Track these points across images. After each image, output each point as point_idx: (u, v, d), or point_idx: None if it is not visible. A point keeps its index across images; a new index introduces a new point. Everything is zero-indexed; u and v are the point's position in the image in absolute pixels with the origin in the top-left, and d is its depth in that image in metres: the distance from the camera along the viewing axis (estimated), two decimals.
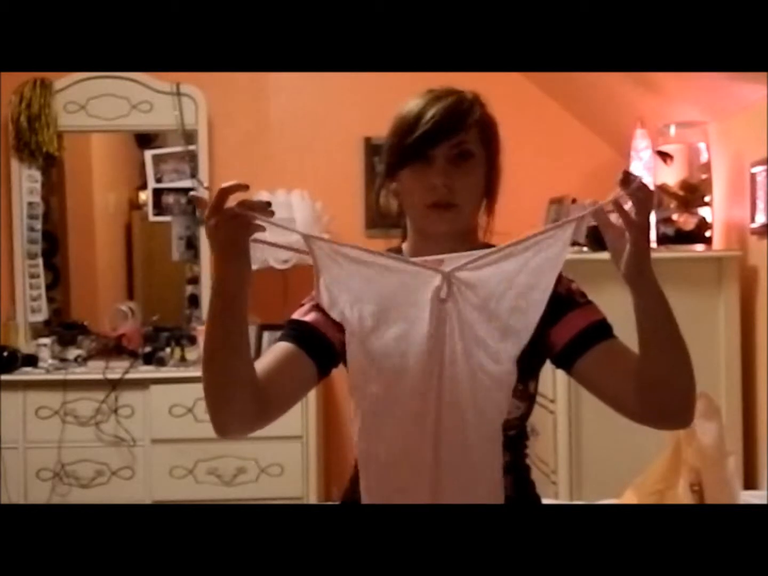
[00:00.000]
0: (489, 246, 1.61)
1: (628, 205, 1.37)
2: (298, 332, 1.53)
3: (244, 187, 1.33)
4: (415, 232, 1.59)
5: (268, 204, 1.36)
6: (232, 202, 1.35)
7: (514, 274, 1.41)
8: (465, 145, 1.52)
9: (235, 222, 1.34)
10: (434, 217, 1.52)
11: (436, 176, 1.49)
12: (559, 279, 1.49)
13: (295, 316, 1.56)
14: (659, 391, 1.43)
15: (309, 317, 1.54)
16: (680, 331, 1.42)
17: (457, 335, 1.40)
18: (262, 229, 1.35)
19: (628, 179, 1.36)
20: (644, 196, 1.37)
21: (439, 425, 1.41)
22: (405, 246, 1.62)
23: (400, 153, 1.52)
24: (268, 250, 3.95)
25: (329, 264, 1.42)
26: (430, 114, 1.50)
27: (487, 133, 1.56)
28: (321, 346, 1.52)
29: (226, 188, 1.33)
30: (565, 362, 1.53)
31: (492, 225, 1.60)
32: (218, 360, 1.43)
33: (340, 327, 1.47)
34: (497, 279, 1.41)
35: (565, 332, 1.51)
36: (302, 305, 1.58)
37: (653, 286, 1.40)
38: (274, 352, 1.51)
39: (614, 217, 1.39)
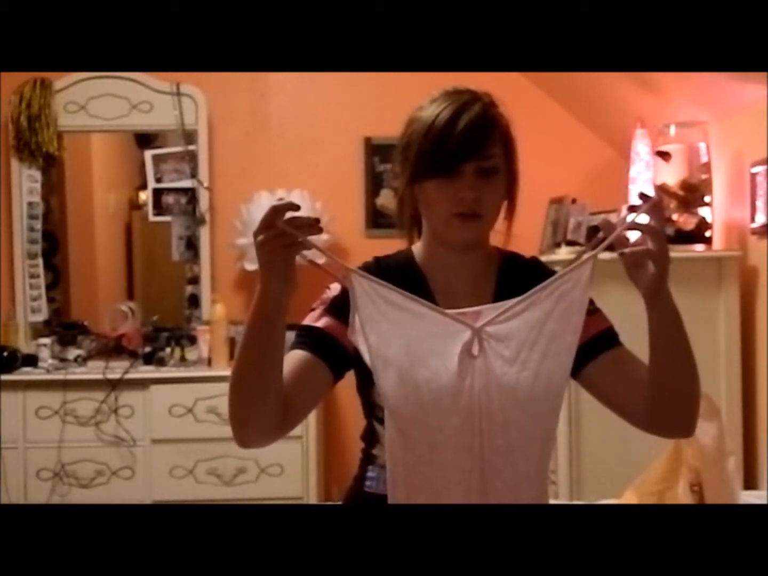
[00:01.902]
0: (500, 251, 1.61)
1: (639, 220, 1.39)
2: (312, 339, 1.53)
3: (296, 207, 1.34)
4: (431, 238, 1.59)
5: (317, 221, 1.36)
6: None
7: (541, 323, 1.43)
8: (492, 161, 1.52)
9: (282, 240, 1.34)
10: (458, 226, 1.52)
11: (465, 189, 1.49)
12: None
13: (307, 321, 1.56)
14: (668, 402, 1.48)
15: (321, 322, 1.54)
16: (690, 345, 1.47)
17: (488, 389, 1.41)
18: (308, 247, 1.35)
19: (639, 200, 1.39)
20: (658, 216, 1.39)
21: (483, 477, 1.41)
22: (417, 250, 1.62)
23: (428, 164, 1.51)
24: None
25: (366, 302, 1.41)
26: (460, 126, 1.49)
27: (508, 142, 1.58)
28: (335, 352, 1.52)
29: (278, 207, 1.33)
30: (573, 368, 1.53)
31: (511, 232, 1.60)
32: (252, 377, 1.42)
33: None
34: (527, 328, 1.42)
35: (584, 333, 1.50)
36: (313, 309, 1.57)
37: (669, 302, 1.43)
38: (290, 361, 1.50)
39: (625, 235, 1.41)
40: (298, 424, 1.52)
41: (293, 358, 1.51)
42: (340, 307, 1.49)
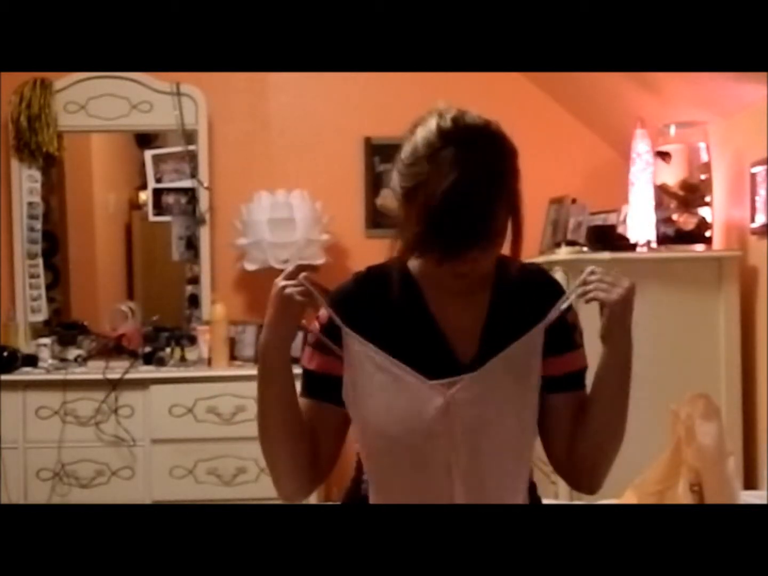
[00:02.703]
0: (498, 259, 1.55)
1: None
2: (312, 384, 1.58)
3: (314, 269, 1.50)
4: (428, 259, 1.49)
5: (328, 289, 1.53)
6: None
7: (505, 387, 1.50)
8: (495, 233, 1.43)
9: (302, 291, 1.47)
10: (452, 279, 1.49)
11: (464, 269, 1.45)
12: (569, 307, 1.55)
13: (303, 362, 1.59)
14: (587, 457, 1.56)
15: (314, 364, 1.57)
16: (626, 406, 1.55)
17: (461, 442, 1.49)
18: (319, 304, 1.51)
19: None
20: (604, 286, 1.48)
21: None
22: (412, 264, 1.57)
23: (434, 247, 1.42)
24: (269, 250, 3.95)
25: (355, 363, 1.51)
26: (466, 214, 1.38)
27: (513, 187, 1.45)
28: (337, 390, 1.54)
29: (301, 265, 1.54)
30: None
31: (520, 248, 1.51)
32: (272, 423, 1.54)
33: None
34: (492, 392, 1.50)
35: (559, 368, 1.56)
36: (306, 345, 1.59)
37: (623, 347, 1.52)
38: (303, 413, 1.57)
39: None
40: (333, 467, 1.61)
41: (305, 409, 1.57)
42: (330, 338, 1.54)
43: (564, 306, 1.52)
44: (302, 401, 1.56)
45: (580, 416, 1.56)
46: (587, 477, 1.60)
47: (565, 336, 1.56)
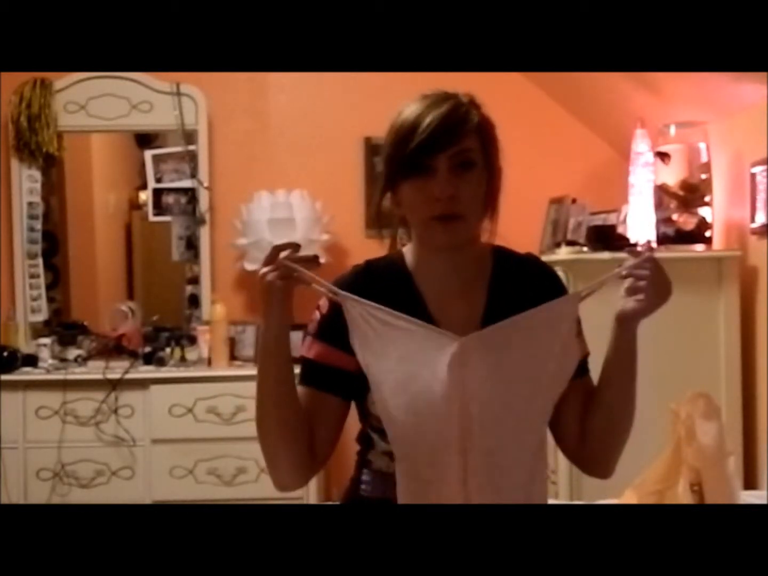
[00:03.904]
0: (494, 249, 1.59)
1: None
2: (311, 373, 1.55)
3: (296, 246, 1.46)
4: (418, 243, 1.56)
5: (316, 257, 1.49)
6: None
7: (528, 340, 1.48)
8: (466, 154, 1.47)
9: (280, 272, 1.44)
10: (439, 230, 1.48)
11: (438, 188, 1.46)
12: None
13: (303, 351, 1.57)
14: (598, 436, 1.54)
15: (314, 353, 1.55)
16: (635, 390, 1.53)
17: (479, 395, 1.45)
18: (307, 280, 1.46)
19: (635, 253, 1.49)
20: (653, 268, 1.46)
21: (476, 477, 1.45)
22: (407, 253, 1.59)
23: (399, 164, 1.49)
24: (270, 250, 3.94)
25: (359, 323, 1.48)
26: (426, 122, 1.45)
27: (486, 138, 1.52)
28: (336, 379, 1.53)
29: (279, 246, 1.45)
30: None
31: (495, 229, 1.57)
32: (270, 411, 1.50)
33: (350, 350, 1.50)
34: (516, 340, 1.48)
35: None
36: (306, 335, 1.58)
37: (634, 335, 1.50)
38: (301, 402, 1.54)
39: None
40: (328, 457, 1.56)
41: (303, 398, 1.54)
42: (330, 329, 1.52)
43: (610, 276, 1.49)
44: (300, 389, 1.53)
45: (589, 402, 1.55)
46: (602, 461, 1.57)
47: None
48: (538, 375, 1.48)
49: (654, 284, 1.45)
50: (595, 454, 1.56)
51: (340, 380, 1.53)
